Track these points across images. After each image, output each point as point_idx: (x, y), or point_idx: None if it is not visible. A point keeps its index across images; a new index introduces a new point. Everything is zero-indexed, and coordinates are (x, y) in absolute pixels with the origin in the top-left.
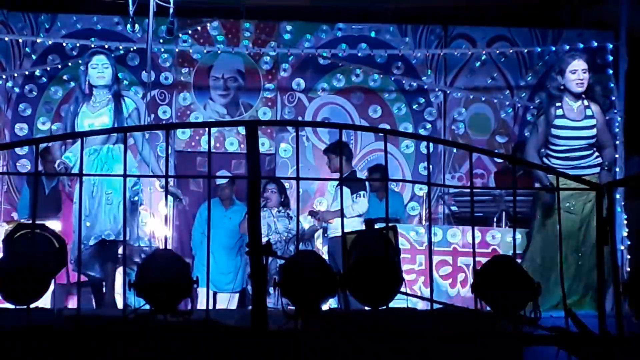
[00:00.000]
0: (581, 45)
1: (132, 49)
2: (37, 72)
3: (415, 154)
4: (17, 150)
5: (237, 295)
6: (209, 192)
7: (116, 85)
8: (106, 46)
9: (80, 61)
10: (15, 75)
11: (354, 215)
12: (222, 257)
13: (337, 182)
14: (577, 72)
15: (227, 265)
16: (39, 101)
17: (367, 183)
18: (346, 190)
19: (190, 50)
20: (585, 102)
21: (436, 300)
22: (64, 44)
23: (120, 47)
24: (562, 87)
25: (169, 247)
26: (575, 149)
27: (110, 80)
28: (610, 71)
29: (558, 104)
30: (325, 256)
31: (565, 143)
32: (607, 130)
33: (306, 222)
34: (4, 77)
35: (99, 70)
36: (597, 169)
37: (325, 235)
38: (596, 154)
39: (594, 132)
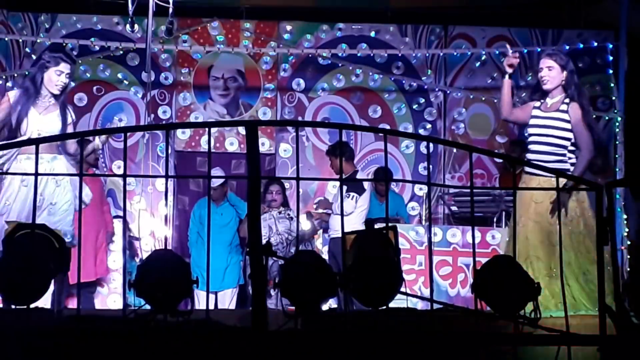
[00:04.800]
0: (581, 45)
1: (132, 49)
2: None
3: (415, 154)
4: None
5: (235, 293)
6: (209, 192)
7: (65, 96)
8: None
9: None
10: (15, 75)
11: (338, 214)
12: (215, 253)
13: (338, 183)
14: (542, 70)
15: (221, 262)
16: None
17: (366, 188)
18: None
19: (190, 50)
20: (566, 100)
21: (436, 300)
22: (64, 44)
23: (120, 47)
24: (536, 84)
25: (169, 247)
26: (548, 143)
27: (63, 89)
28: (610, 71)
29: (536, 102)
30: (325, 256)
31: (536, 132)
32: (582, 132)
33: (306, 224)
34: (4, 77)
35: (62, 79)
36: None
37: (327, 235)
38: (570, 161)
39: (568, 126)
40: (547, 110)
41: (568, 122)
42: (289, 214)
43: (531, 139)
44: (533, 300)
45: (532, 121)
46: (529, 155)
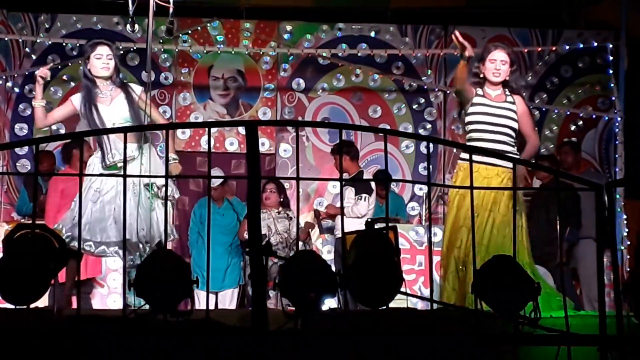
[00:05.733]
0: (581, 45)
1: (132, 49)
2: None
3: (415, 154)
4: (17, 150)
5: (236, 292)
6: (209, 192)
7: (120, 76)
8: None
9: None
10: (15, 75)
11: (353, 217)
12: (215, 254)
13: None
14: (495, 62)
15: (221, 262)
16: None
17: (373, 188)
18: (351, 190)
19: (190, 50)
20: (507, 92)
21: (436, 301)
22: (64, 44)
23: (120, 47)
24: (482, 75)
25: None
26: (494, 132)
27: (113, 71)
28: (610, 71)
29: (479, 90)
30: (325, 256)
31: (483, 119)
32: (530, 122)
33: (306, 221)
34: (4, 77)
35: (104, 61)
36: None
37: (333, 234)
38: (515, 149)
39: (514, 116)
40: (495, 101)
41: (515, 112)
42: (288, 214)
43: (482, 127)
44: (533, 300)
45: (478, 108)
46: (482, 144)
